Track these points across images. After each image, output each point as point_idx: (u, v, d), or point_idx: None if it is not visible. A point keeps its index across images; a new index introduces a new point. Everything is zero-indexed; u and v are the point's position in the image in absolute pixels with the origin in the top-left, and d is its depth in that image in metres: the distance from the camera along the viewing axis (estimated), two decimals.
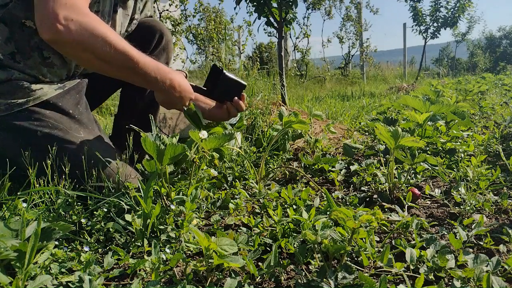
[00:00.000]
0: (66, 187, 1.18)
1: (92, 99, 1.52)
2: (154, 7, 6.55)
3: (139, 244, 1.03)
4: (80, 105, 1.38)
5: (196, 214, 1.24)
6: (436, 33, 9.35)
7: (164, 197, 1.21)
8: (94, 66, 1.25)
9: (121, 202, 1.16)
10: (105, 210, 1.10)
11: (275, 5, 3.14)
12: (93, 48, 1.12)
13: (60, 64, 1.35)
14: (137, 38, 1.53)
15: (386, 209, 1.29)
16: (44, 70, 1.31)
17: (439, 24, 9.22)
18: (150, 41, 1.61)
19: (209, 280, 0.87)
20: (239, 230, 1.16)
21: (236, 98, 1.55)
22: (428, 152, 1.97)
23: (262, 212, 1.30)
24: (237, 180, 1.55)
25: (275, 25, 3.22)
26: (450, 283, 0.87)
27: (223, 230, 1.17)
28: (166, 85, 1.31)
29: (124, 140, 1.40)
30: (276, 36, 3.58)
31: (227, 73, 1.52)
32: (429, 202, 1.41)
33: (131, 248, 1.02)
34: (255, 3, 3.16)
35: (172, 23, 6.88)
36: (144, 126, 1.46)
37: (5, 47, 1.26)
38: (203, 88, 1.53)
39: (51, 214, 1.10)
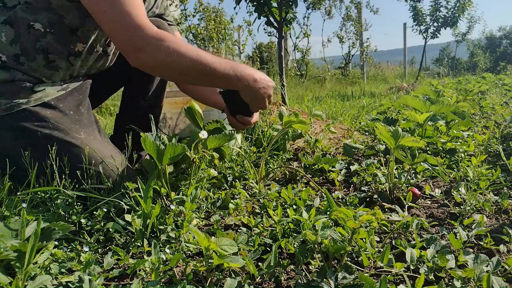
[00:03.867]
0: (66, 187, 1.18)
1: (94, 97, 1.52)
2: None
3: (139, 244, 1.03)
4: (82, 106, 1.38)
5: (196, 214, 1.24)
6: (436, 33, 9.35)
7: (164, 197, 1.21)
8: (177, 80, 1.31)
9: (121, 202, 1.16)
10: (105, 210, 1.10)
11: (275, 4, 3.14)
12: (172, 66, 1.20)
13: (65, 67, 1.35)
14: None
15: (386, 209, 1.29)
16: (48, 72, 1.31)
17: (439, 24, 9.22)
18: None
19: (209, 280, 0.87)
20: (239, 230, 1.16)
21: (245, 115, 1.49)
22: (428, 152, 1.97)
23: (262, 212, 1.30)
24: (237, 180, 1.55)
25: (275, 24, 3.22)
26: (450, 283, 0.87)
27: (223, 230, 1.17)
28: (250, 81, 1.30)
29: (125, 140, 1.40)
30: (276, 36, 3.58)
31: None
32: (429, 202, 1.41)
33: (131, 248, 1.02)
34: (255, 3, 3.16)
35: None
36: (146, 126, 1.46)
37: (9, 49, 1.25)
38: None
39: (51, 214, 1.09)
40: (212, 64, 1.22)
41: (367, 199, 1.42)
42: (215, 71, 1.23)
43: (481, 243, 1.06)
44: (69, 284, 0.83)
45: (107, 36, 1.22)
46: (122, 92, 1.75)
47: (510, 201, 1.33)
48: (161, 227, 1.09)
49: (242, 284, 0.85)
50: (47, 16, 1.25)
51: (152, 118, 1.46)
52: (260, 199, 1.41)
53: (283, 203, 1.33)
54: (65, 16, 1.26)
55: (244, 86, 1.31)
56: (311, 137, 2.09)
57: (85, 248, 0.98)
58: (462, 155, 1.86)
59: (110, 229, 1.08)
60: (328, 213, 1.13)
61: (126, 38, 1.17)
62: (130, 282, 0.90)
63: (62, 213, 1.11)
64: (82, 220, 1.06)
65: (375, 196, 1.41)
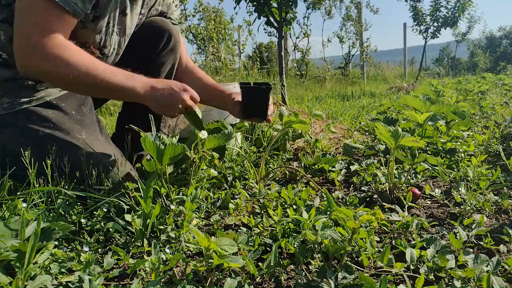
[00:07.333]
0: (66, 187, 1.18)
1: (97, 97, 1.52)
2: None
3: (139, 244, 1.03)
4: (84, 106, 1.38)
5: (196, 214, 1.24)
6: (436, 32, 9.35)
7: (164, 197, 1.21)
8: (74, 91, 1.33)
9: (121, 202, 1.15)
10: (105, 210, 1.10)
11: (275, 5, 3.14)
12: (58, 76, 1.18)
13: None
14: (145, 38, 1.53)
15: (386, 209, 1.29)
16: None
17: (439, 23, 9.21)
18: (158, 42, 1.58)
19: (209, 280, 0.87)
20: (239, 230, 1.16)
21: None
22: (428, 152, 1.97)
23: (262, 212, 1.30)
24: (237, 180, 1.55)
25: (275, 24, 3.22)
26: (450, 283, 0.87)
27: (223, 230, 1.16)
28: (150, 91, 1.26)
29: (126, 139, 1.40)
30: (276, 36, 3.58)
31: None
32: (429, 202, 1.41)
33: (131, 248, 1.02)
34: (255, 3, 3.16)
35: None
36: (148, 126, 1.46)
37: (9, 47, 1.25)
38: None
39: (51, 214, 1.10)
40: (102, 78, 1.19)
41: (367, 199, 1.42)
42: (108, 83, 1.20)
43: (481, 243, 1.06)
44: (69, 284, 0.83)
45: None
46: None
47: (510, 201, 1.33)
48: (161, 227, 1.09)
49: (242, 284, 0.85)
50: None
51: (153, 118, 1.46)
52: (260, 199, 1.41)
53: (283, 203, 1.33)
54: None
55: (146, 97, 1.26)
56: (311, 137, 2.09)
57: (85, 248, 0.98)
58: (462, 155, 1.86)
59: (110, 229, 1.08)
60: (328, 213, 1.13)
61: (15, 44, 1.16)
62: (130, 282, 0.90)
63: (62, 213, 1.11)
64: (82, 220, 1.06)
65: (375, 196, 1.41)
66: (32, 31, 1.14)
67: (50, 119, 1.26)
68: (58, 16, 1.16)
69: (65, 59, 1.14)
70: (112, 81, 1.21)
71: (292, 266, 0.96)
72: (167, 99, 1.29)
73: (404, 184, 1.46)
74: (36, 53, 1.14)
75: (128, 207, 1.15)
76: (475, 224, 1.11)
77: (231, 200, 1.33)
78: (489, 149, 2.02)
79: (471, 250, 1.02)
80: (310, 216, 1.08)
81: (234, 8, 3.60)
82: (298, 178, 1.68)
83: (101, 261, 0.97)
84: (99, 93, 1.29)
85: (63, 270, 0.89)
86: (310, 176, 1.72)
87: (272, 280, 0.90)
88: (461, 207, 1.30)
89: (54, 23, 1.15)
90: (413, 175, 1.65)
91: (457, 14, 8.99)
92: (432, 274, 0.91)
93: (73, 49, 1.18)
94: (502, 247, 1.02)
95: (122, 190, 1.19)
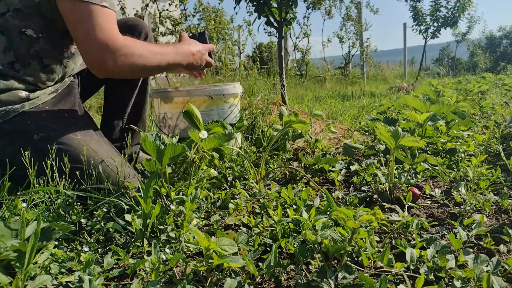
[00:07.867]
0: (66, 187, 1.18)
1: (81, 94, 1.53)
2: (153, 7, 6.55)
3: (139, 244, 1.03)
4: (75, 107, 1.39)
5: (196, 214, 1.24)
6: (436, 32, 9.34)
7: (164, 197, 1.21)
8: (145, 75, 1.61)
9: (121, 202, 1.16)
10: (105, 210, 1.10)
11: (275, 5, 3.14)
12: (137, 72, 1.34)
13: (60, 70, 1.36)
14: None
15: (386, 209, 1.29)
16: (43, 77, 1.31)
17: (439, 23, 9.21)
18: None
19: (209, 280, 0.87)
20: (239, 230, 1.16)
21: None
22: (428, 152, 1.97)
23: (262, 212, 1.30)
24: (237, 180, 1.55)
25: (275, 25, 3.22)
26: (450, 283, 0.87)
27: (223, 230, 1.17)
28: (190, 58, 1.47)
29: (113, 137, 1.41)
30: (276, 36, 3.58)
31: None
32: (429, 202, 1.41)
33: (131, 248, 1.02)
34: (255, 3, 3.16)
35: (172, 22, 6.87)
36: (135, 120, 1.48)
37: (4, 57, 1.24)
38: None
39: (51, 214, 1.10)
40: (167, 60, 1.34)
41: (367, 199, 1.42)
42: (169, 64, 1.36)
43: (481, 243, 1.06)
44: (69, 284, 0.83)
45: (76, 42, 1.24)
46: (103, 92, 1.76)
47: (510, 201, 1.33)
48: (161, 227, 1.09)
49: (242, 284, 0.85)
50: (38, 21, 1.25)
51: (145, 113, 1.48)
52: (260, 199, 1.41)
53: (283, 203, 1.33)
54: (56, 20, 1.24)
55: (187, 64, 1.47)
56: (311, 137, 2.09)
57: (85, 248, 0.98)
58: (462, 155, 1.86)
59: (110, 229, 1.08)
60: (328, 213, 1.13)
61: (95, 52, 1.18)
62: (130, 282, 0.90)
63: (62, 213, 1.11)
64: (82, 220, 1.06)
65: (375, 196, 1.41)
66: (102, 37, 1.17)
67: (44, 122, 1.26)
68: (112, 16, 1.23)
69: (137, 53, 1.24)
70: (168, 61, 1.35)
71: (292, 266, 0.96)
72: (197, 64, 1.51)
73: (404, 184, 1.46)
74: (116, 56, 1.19)
75: (128, 207, 1.15)
76: (475, 224, 1.11)
77: (231, 200, 1.33)
78: (489, 149, 2.02)
79: (471, 250, 1.02)
80: (310, 216, 1.08)
81: (234, 8, 3.59)
82: (298, 178, 1.68)
83: (101, 261, 0.97)
84: (156, 72, 1.46)
85: (63, 270, 0.89)
86: (310, 176, 1.72)
87: (272, 280, 0.91)
88: (461, 207, 1.30)
89: (112, 24, 1.21)
90: (413, 175, 1.65)
91: (457, 14, 8.98)
92: (432, 274, 0.91)
93: (134, 41, 1.28)
94: (502, 247, 1.02)
95: (122, 190, 1.19)
